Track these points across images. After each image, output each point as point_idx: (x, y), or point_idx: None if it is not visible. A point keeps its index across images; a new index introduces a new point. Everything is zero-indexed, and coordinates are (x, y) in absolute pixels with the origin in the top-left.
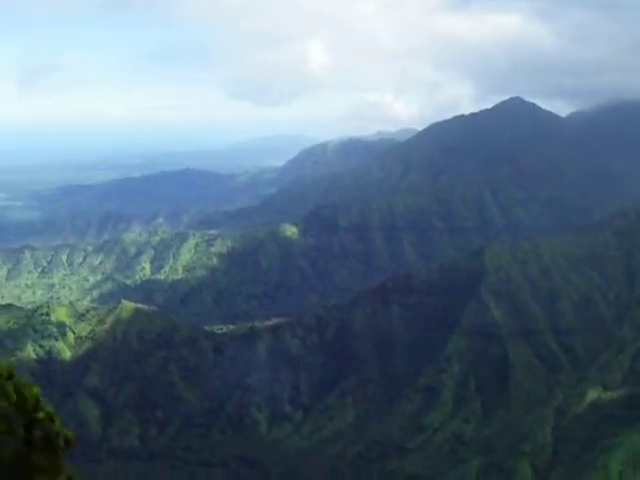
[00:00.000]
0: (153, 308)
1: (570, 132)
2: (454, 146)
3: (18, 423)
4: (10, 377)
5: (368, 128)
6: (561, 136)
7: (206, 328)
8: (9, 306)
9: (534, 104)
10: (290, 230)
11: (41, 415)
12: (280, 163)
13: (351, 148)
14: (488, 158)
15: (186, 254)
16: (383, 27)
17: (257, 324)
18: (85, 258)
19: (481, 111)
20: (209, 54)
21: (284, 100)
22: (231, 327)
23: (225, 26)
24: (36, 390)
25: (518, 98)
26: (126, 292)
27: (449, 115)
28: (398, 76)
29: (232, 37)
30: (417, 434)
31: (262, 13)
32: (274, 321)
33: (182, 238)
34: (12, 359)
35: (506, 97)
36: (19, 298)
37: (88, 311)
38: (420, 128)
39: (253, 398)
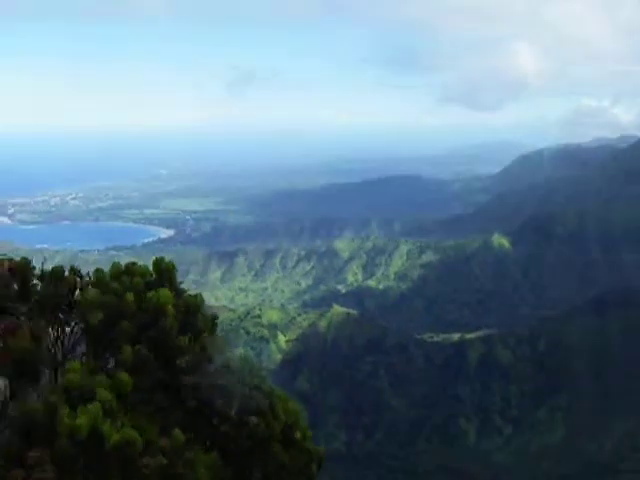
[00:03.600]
0: (363, 313)
1: None
2: None
3: (275, 443)
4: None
5: (585, 134)
6: None
7: (416, 335)
8: (222, 308)
9: None
10: (503, 239)
11: (298, 435)
12: (494, 169)
13: (568, 155)
14: None
15: (398, 261)
16: (596, 28)
17: (468, 333)
18: (297, 262)
19: None
20: (421, 58)
21: (497, 105)
22: (442, 335)
23: (437, 30)
24: (296, 407)
25: None
26: (337, 297)
27: None
28: (616, 79)
29: (444, 41)
30: (631, 455)
31: (473, 16)
32: (485, 331)
33: (394, 245)
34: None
35: None
36: (232, 300)
37: (299, 315)
38: None
39: (462, 408)
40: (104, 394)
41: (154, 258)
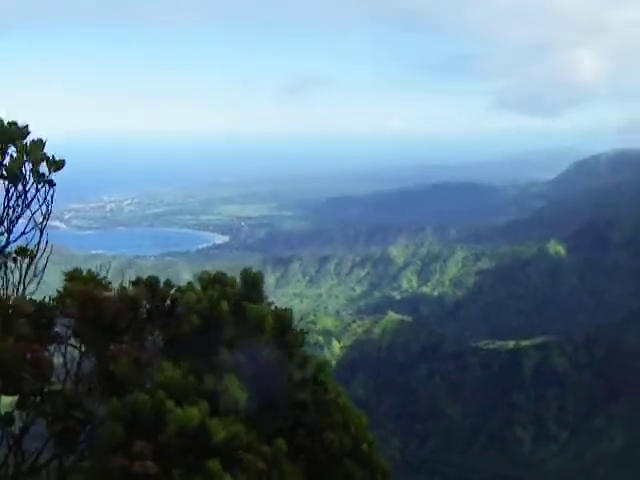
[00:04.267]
0: (418, 320)
1: None
2: None
3: (348, 459)
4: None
5: None
6: None
7: (472, 342)
8: None
9: None
10: (559, 246)
11: (364, 446)
12: (551, 175)
13: (626, 160)
14: None
15: (453, 268)
16: None
17: (523, 340)
18: (352, 269)
19: None
20: (478, 64)
21: (555, 110)
22: (497, 342)
23: (493, 35)
24: (363, 419)
25: None
26: (392, 303)
27: None
28: None
29: (500, 46)
30: None
31: (530, 21)
32: (541, 338)
33: (449, 251)
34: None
35: None
36: (287, 306)
37: (354, 321)
38: None
39: (517, 416)
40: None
41: (242, 269)
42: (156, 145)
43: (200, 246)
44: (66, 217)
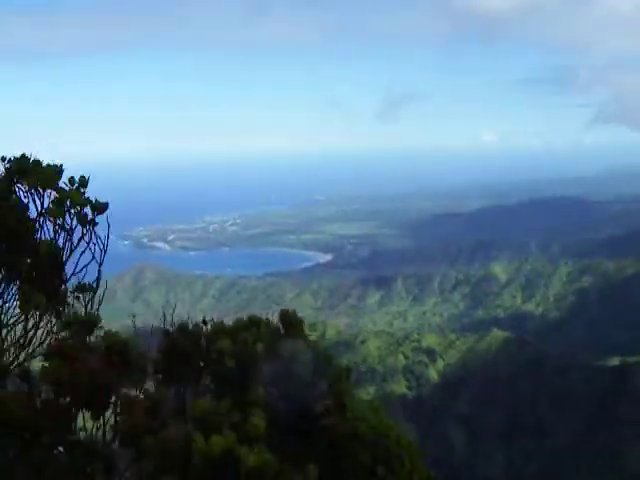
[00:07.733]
0: (523, 337)
1: None
2: None
3: None
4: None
5: None
6: None
7: (577, 359)
8: (381, 332)
9: None
10: None
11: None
12: None
13: None
14: None
15: (557, 284)
16: None
17: (630, 357)
18: (455, 286)
19: None
20: (576, 77)
21: None
22: (603, 359)
23: (593, 48)
24: (416, 452)
25: None
26: (496, 320)
27: None
28: None
29: (600, 59)
30: None
31: (628, 33)
32: None
33: (553, 267)
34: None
35: None
36: (391, 325)
37: (458, 339)
38: None
39: (624, 432)
40: (238, 420)
41: (280, 310)
42: (255, 166)
43: (303, 265)
44: (170, 238)
